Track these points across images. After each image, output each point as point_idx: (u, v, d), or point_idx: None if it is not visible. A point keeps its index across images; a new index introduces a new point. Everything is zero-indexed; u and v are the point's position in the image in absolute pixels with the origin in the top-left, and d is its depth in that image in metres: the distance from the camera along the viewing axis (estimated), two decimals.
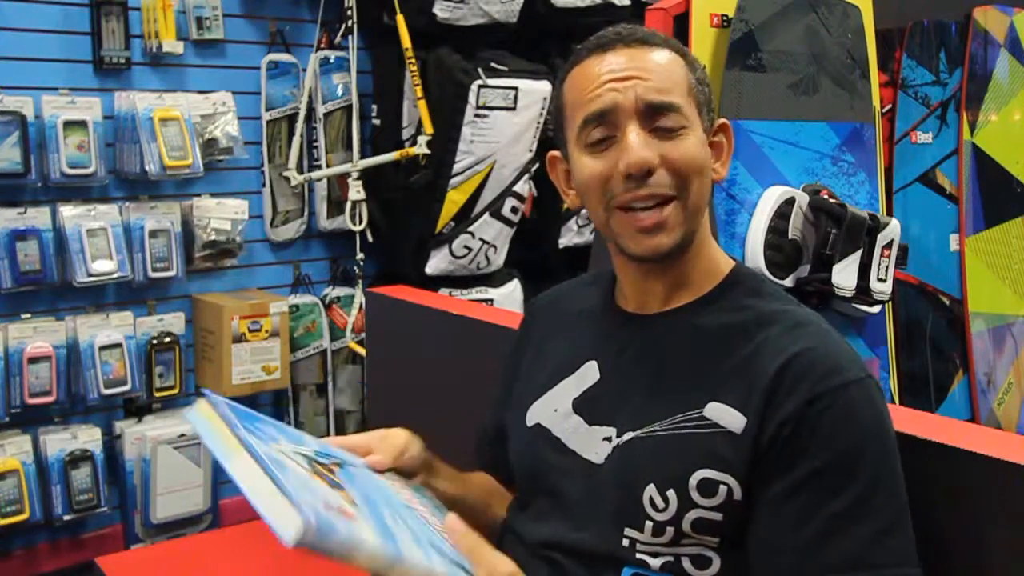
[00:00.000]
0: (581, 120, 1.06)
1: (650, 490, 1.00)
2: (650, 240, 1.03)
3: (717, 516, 0.98)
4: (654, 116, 1.03)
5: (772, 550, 0.95)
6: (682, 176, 1.03)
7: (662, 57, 1.06)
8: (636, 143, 1.02)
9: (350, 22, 2.78)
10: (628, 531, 1.01)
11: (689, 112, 1.05)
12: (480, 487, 1.25)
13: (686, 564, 1.00)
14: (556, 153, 1.15)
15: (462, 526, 0.93)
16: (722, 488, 0.97)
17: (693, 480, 0.98)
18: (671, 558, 1.00)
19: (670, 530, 0.99)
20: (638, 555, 1.01)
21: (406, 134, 2.85)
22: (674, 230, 1.04)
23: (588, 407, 1.10)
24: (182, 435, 2.57)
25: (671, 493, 0.98)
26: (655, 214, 1.03)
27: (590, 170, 1.05)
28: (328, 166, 2.85)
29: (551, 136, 2.94)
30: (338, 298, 2.92)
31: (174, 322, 2.62)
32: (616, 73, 1.05)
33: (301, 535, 0.72)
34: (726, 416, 0.98)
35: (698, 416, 1.00)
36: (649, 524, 1.00)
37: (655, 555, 1.00)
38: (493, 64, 2.81)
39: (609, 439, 1.06)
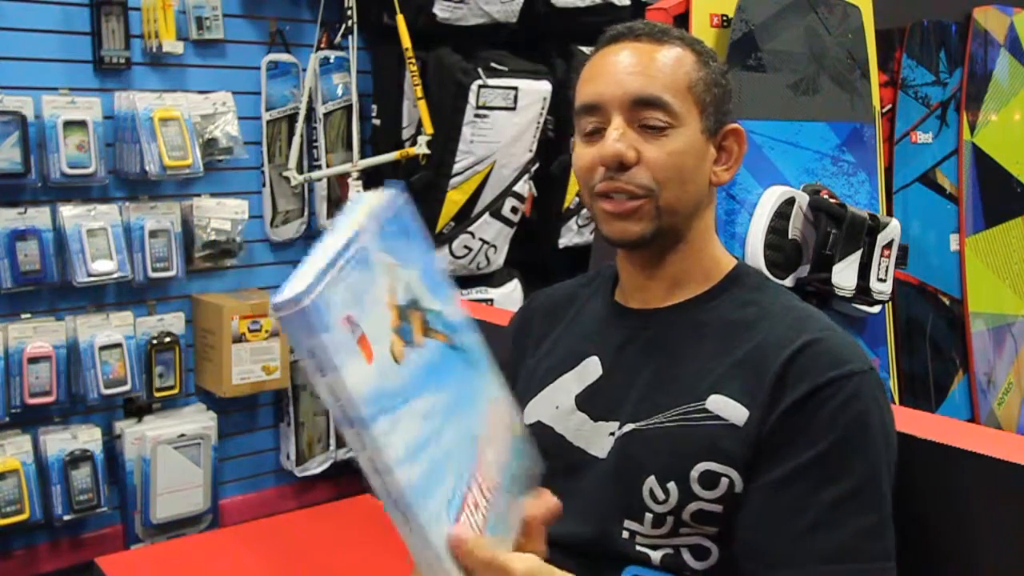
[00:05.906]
0: (576, 110, 1.09)
1: (650, 482, 1.00)
2: (617, 224, 1.06)
3: (717, 508, 0.98)
4: (640, 111, 1.05)
5: (766, 535, 0.95)
6: (658, 176, 1.04)
7: (666, 54, 1.07)
8: (613, 136, 1.04)
9: (350, 22, 2.77)
10: (628, 523, 1.01)
11: (682, 110, 1.05)
12: None
13: (686, 556, 1.00)
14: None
15: (471, 539, 0.72)
16: (723, 480, 0.97)
17: (695, 472, 0.98)
18: (671, 550, 1.00)
19: (670, 519, 0.99)
20: (638, 547, 1.01)
21: (406, 134, 2.85)
22: (642, 221, 1.06)
23: (592, 403, 1.10)
24: (182, 435, 2.56)
25: (672, 485, 0.99)
26: (626, 203, 1.05)
27: (580, 158, 1.09)
28: (328, 166, 2.85)
29: (551, 136, 2.98)
30: None
31: (174, 322, 2.62)
32: (612, 66, 1.07)
33: (284, 300, 0.63)
34: (728, 408, 0.99)
35: (700, 408, 1.00)
36: (649, 516, 1.00)
37: (655, 547, 1.01)
38: (493, 64, 2.81)
39: (613, 433, 1.06)
